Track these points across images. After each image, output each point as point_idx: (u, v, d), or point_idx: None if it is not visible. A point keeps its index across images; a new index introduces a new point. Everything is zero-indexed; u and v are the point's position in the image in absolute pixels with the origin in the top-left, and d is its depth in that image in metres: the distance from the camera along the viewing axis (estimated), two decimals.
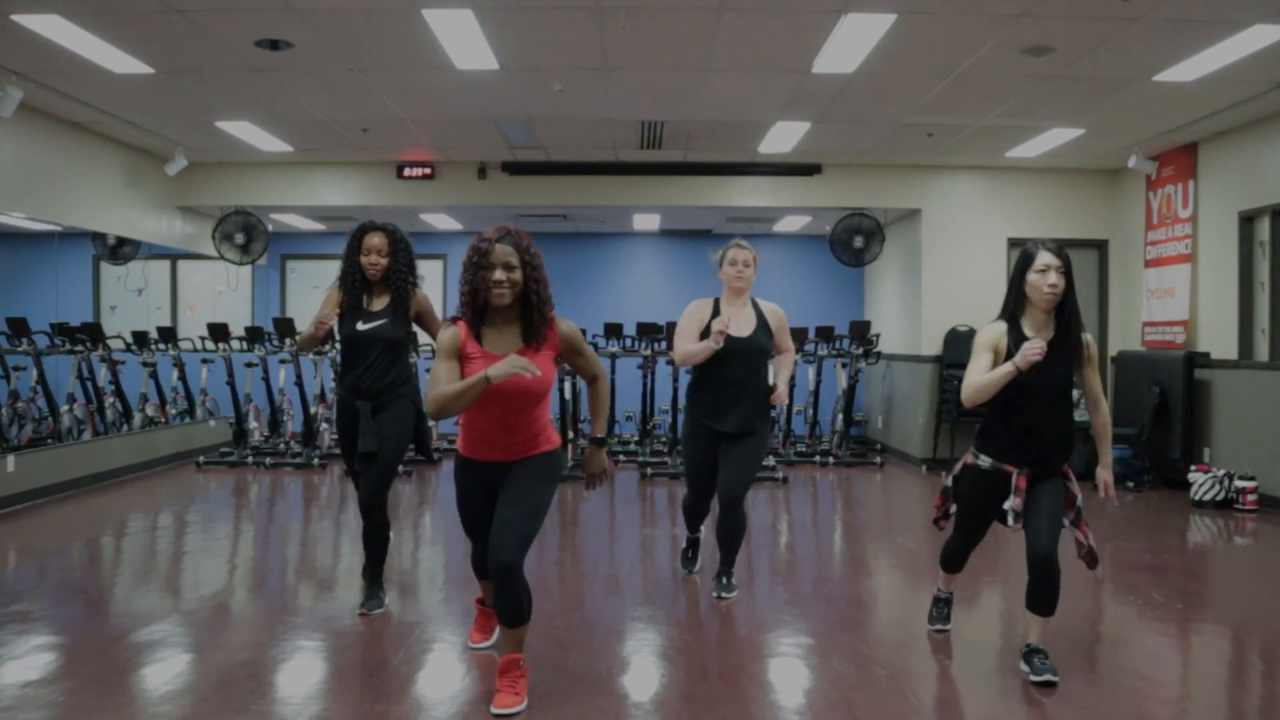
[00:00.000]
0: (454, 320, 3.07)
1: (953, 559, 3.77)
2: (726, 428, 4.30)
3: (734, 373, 4.27)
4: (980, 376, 3.25)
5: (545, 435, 3.15)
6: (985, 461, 3.41)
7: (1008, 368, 3.20)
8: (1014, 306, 3.35)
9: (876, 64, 5.91)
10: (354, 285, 4.10)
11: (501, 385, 2.90)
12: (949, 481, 3.62)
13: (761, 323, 4.40)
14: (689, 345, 4.32)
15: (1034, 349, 3.14)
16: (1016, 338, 3.29)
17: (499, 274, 2.94)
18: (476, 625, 3.73)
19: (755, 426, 4.32)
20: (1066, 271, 3.28)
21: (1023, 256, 3.33)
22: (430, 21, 5.22)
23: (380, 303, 4.10)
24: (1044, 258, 3.27)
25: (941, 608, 3.92)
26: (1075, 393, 3.49)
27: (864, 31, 5.35)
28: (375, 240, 4.06)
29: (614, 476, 8.29)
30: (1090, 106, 6.79)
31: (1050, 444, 3.33)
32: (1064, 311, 3.31)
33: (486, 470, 3.15)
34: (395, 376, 4.09)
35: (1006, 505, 3.36)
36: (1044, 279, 3.25)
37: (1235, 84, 6.13)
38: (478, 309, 3.00)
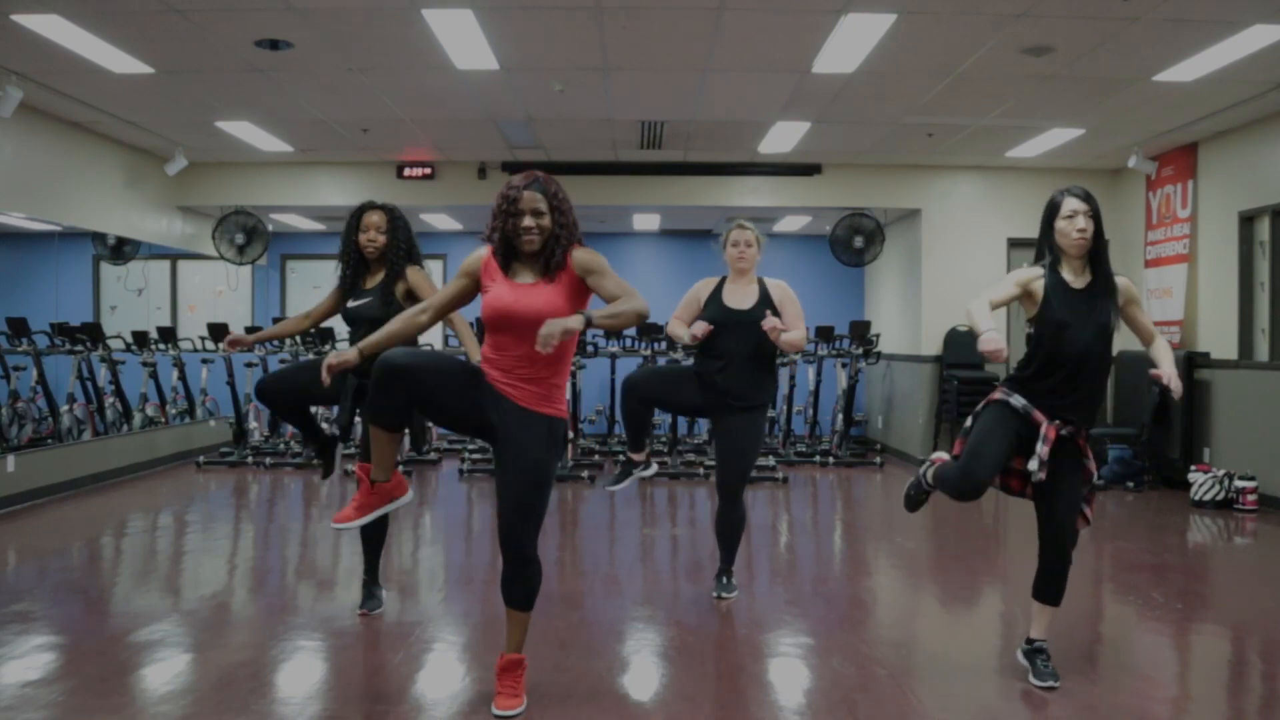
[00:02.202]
0: (486, 242, 3.04)
1: (944, 483, 3.42)
2: (720, 387, 4.18)
3: (732, 345, 4.22)
4: (979, 304, 3.13)
5: (558, 395, 3.03)
6: (1018, 401, 3.24)
7: (985, 321, 3.06)
8: (1049, 254, 3.24)
9: (876, 64, 5.91)
10: (350, 263, 4.08)
11: (512, 309, 2.89)
12: (969, 422, 3.37)
13: (764, 297, 4.37)
14: (674, 326, 4.40)
15: (989, 344, 3.00)
16: (1054, 281, 3.20)
17: (528, 220, 2.93)
18: (360, 488, 3.20)
19: (750, 401, 4.22)
20: (1095, 215, 3.19)
21: (1049, 205, 3.24)
22: (430, 21, 5.22)
23: (373, 280, 4.09)
24: (1070, 203, 3.18)
25: (920, 495, 3.73)
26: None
27: (864, 31, 5.35)
28: (374, 218, 4.04)
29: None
30: (1090, 106, 6.79)
31: (1083, 398, 3.22)
32: (1095, 257, 3.21)
33: (496, 394, 2.96)
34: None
35: (1033, 458, 3.16)
36: (1072, 224, 3.17)
37: (1235, 84, 6.13)
38: (509, 254, 3.00)
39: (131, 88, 6.44)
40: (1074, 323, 3.16)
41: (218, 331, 8.71)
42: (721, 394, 4.21)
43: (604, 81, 6.39)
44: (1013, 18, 5.11)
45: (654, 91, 6.64)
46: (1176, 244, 7.93)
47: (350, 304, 4.07)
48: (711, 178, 9.13)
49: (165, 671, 3.38)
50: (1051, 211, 3.24)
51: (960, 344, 8.84)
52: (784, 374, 9.46)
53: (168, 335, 8.94)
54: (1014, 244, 9.05)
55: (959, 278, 9.02)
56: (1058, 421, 3.20)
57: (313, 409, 4.24)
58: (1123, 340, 8.81)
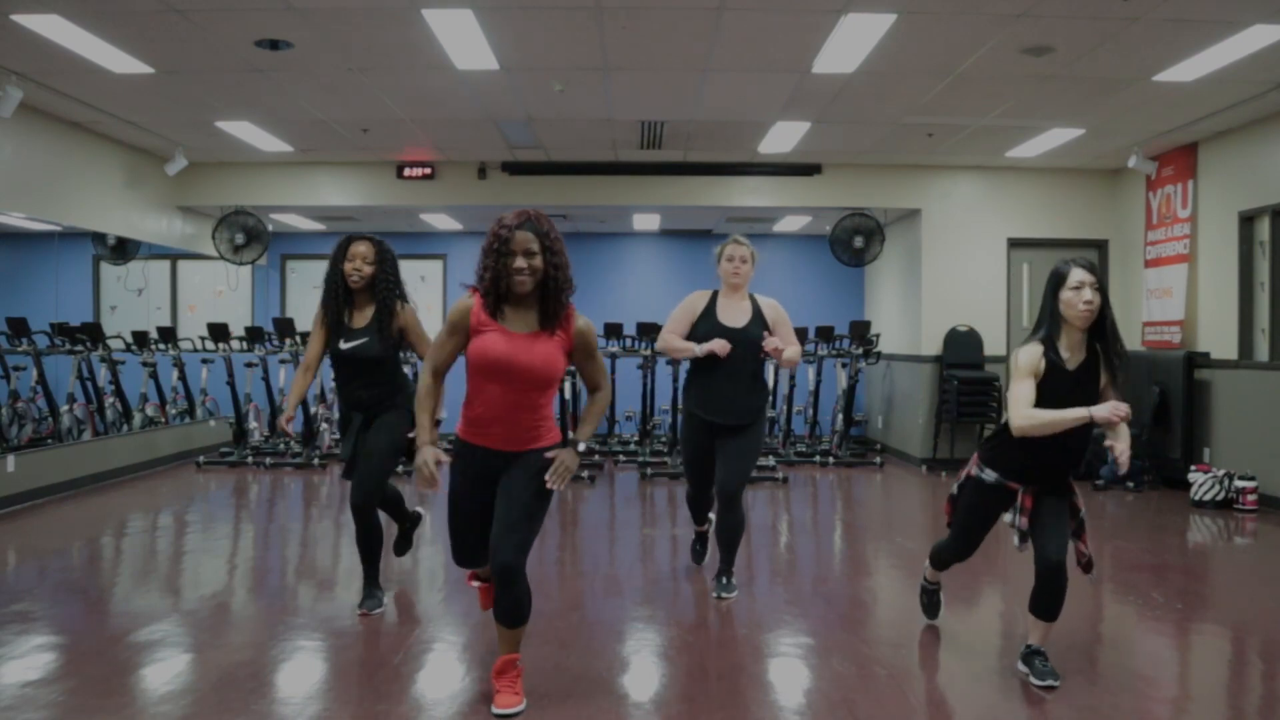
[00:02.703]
0: (472, 290, 3.00)
1: (942, 563, 3.80)
2: (719, 419, 4.35)
3: (726, 364, 4.30)
4: (1044, 413, 3.12)
5: (547, 428, 3.06)
6: (990, 476, 3.37)
7: (1081, 413, 3.09)
8: (1050, 328, 3.23)
9: (876, 64, 5.91)
10: (336, 299, 3.98)
11: (510, 362, 2.89)
12: (955, 489, 3.60)
13: (756, 315, 4.43)
14: (674, 340, 4.40)
15: (1114, 413, 3.08)
16: (1052, 360, 3.19)
17: (520, 261, 2.89)
18: (481, 597, 3.58)
19: (747, 419, 4.35)
20: (1101, 288, 3.18)
21: (1054, 276, 3.23)
22: (430, 21, 5.22)
23: (363, 318, 4.01)
24: (1077, 274, 3.17)
25: (931, 597, 3.95)
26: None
27: (864, 31, 5.35)
28: (361, 248, 3.97)
29: (614, 476, 8.30)
30: (1090, 106, 6.79)
31: (1064, 463, 3.29)
32: (1102, 329, 3.21)
33: (486, 460, 3.02)
34: (385, 389, 4.05)
35: (1010, 520, 3.34)
36: (1079, 296, 3.15)
37: (1235, 84, 6.13)
38: (499, 295, 2.94)
39: (131, 88, 6.44)
40: (1065, 400, 3.17)
41: (218, 331, 8.71)
42: (721, 411, 4.33)
43: (604, 81, 6.39)
44: (1013, 18, 5.11)
45: (654, 91, 6.64)
46: (1177, 244, 7.93)
47: (343, 345, 3.98)
48: (711, 178, 9.13)
49: (165, 671, 3.38)
50: (1057, 282, 3.22)
51: (960, 344, 8.85)
52: (784, 374, 9.47)
53: (168, 335, 8.94)
54: (1014, 244, 9.05)
55: (959, 278, 9.02)
56: (1033, 487, 3.29)
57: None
58: (1123, 340, 8.81)
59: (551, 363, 2.94)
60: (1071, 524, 3.34)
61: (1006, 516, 3.38)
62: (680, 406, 4.83)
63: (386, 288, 3.98)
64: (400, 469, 4.25)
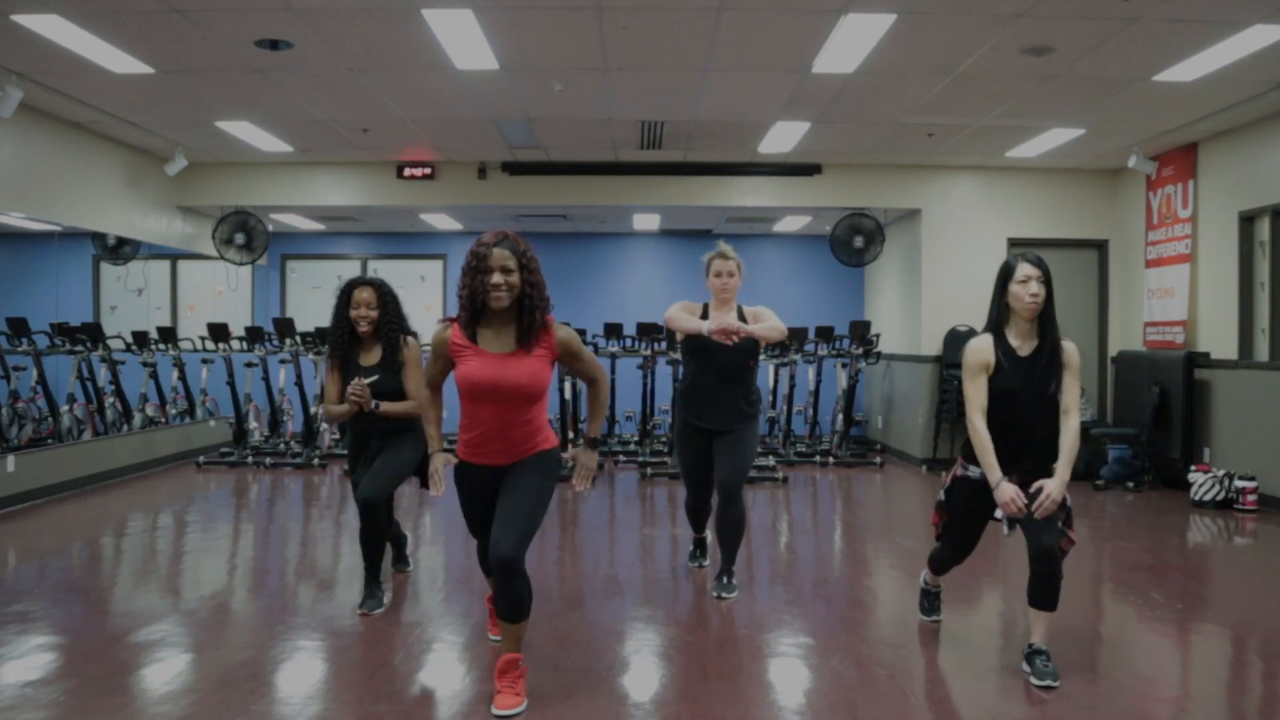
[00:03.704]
0: (449, 321, 3.13)
1: (941, 567, 3.87)
2: (712, 425, 4.46)
3: (717, 374, 4.44)
4: (981, 453, 3.36)
5: (543, 435, 3.19)
6: (975, 471, 3.47)
7: (993, 479, 3.33)
8: (998, 318, 3.45)
9: (876, 64, 5.91)
10: (343, 342, 4.17)
11: (497, 383, 3.01)
12: (942, 495, 3.69)
13: (742, 324, 4.44)
14: (684, 317, 4.44)
15: (1015, 507, 3.28)
16: (1003, 348, 3.40)
17: (496, 277, 3.00)
18: (492, 620, 3.75)
19: (738, 424, 4.45)
20: (1046, 281, 3.38)
21: (1003, 269, 3.45)
22: (430, 21, 5.22)
23: (371, 357, 4.19)
24: (1024, 269, 3.37)
25: (932, 599, 4.03)
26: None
27: (864, 31, 5.35)
28: (364, 294, 4.15)
29: (614, 476, 8.30)
30: (1090, 106, 6.79)
31: (1038, 451, 3.39)
32: (1044, 320, 3.40)
33: (486, 472, 3.17)
34: (403, 420, 4.21)
35: (999, 513, 3.44)
36: (1025, 289, 3.35)
37: (1235, 84, 6.13)
38: (475, 311, 3.07)
39: (131, 88, 6.44)
40: (1022, 389, 3.35)
41: (218, 331, 8.71)
42: (714, 419, 4.44)
43: (604, 81, 6.38)
44: (1013, 18, 5.11)
45: (654, 91, 6.64)
46: (1177, 244, 7.93)
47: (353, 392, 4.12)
48: (711, 178, 9.13)
49: (165, 671, 3.38)
50: (1006, 274, 3.42)
51: (960, 344, 8.84)
52: (784, 374, 9.47)
53: (168, 335, 8.94)
54: (1014, 244, 9.05)
55: (959, 278, 9.02)
56: (1015, 477, 3.38)
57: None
58: (1123, 340, 8.83)
59: (536, 378, 3.06)
60: (1061, 514, 3.39)
61: (998, 511, 3.45)
62: (673, 417, 4.91)
63: (390, 328, 4.19)
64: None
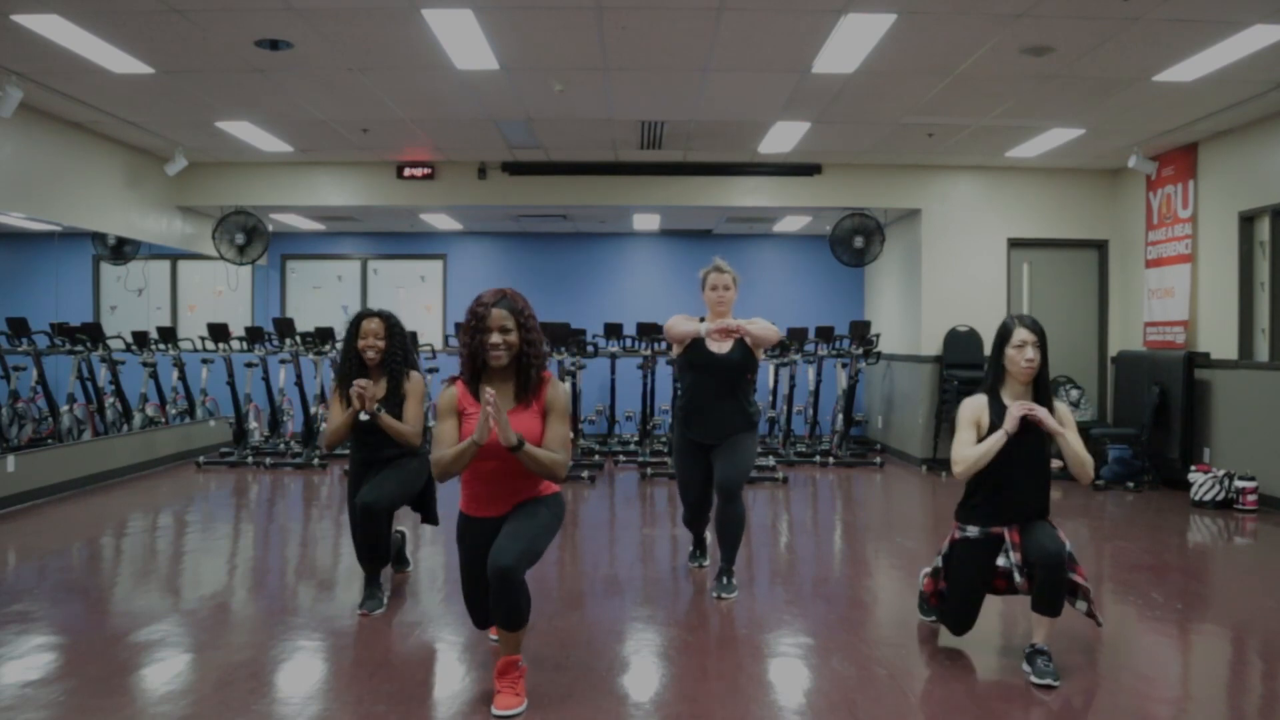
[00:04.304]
0: (453, 380, 3.19)
1: (959, 628, 3.71)
2: (710, 439, 4.49)
3: (714, 388, 4.47)
4: (973, 449, 3.41)
5: (544, 485, 3.22)
6: (974, 531, 3.52)
7: (998, 435, 3.37)
8: (994, 379, 3.51)
9: (876, 64, 5.91)
10: (351, 372, 4.22)
11: (494, 439, 2.99)
12: (938, 562, 3.70)
13: (739, 340, 4.51)
14: (683, 323, 4.49)
15: (1019, 408, 3.34)
16: (997, 409, 3.45)
17: (495, 337, 3.06)
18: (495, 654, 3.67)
19: (736, 434, 4.48)
20: (1041, 345, 3.43)
21: (1001, 330, 3.50)
22: (430, 21, 5.22)
23: (379, 389, 4.22)
24: (1020, 334, 3.43)
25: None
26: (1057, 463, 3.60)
27: (864, 31, 5.35)
28: (372, 325, 4.22)
29: (614, 476, 8.30)
30: (1090, 106, 6.79)
31: (1032, 503, 3.46)
32: (1039, 383, 3.46)
33: (489, 525, 3.16)
34: (399, 449, 4.26)
35: (1002, 562, 3.46)
36: (1021, 354, 3.41)
37: (1235, 84, 6.13)
38: (476, 370, 3.13)
39: (131, 88, 6.44)
40: (1013, 450, 3.39)
41: (218, 331, 8.71)
42: (710, 434, 4.47)
43: (604, 81, 6.38)
44: (1013, 18, 5.11)
45: (654, 91, 6.64)
46: (1178, 244, 7.93)
47: (362, 417, 4.17)
48: (711, 178, 9.13)
49: (165, 671, 3.38)
50: (1003, 338, 3.48)
51: (960, 344, 8.85)
52: (784, 374, 9.47)
53: (168, 335, 8.94)
54: (1014, 244, 9.05)
55: (959, 277, 9.02)
56: (1015, 524, 3.45)
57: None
58: (1123, 340, 8.83)
59: (534, 434, 3.10)
60: (1067, 557, 3.39)
61: (1001, 561, 3.47)
62: (672, 432, 4.95)
63: (395, 361, 4.24)
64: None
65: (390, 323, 4.27)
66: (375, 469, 4.26)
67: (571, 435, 8.57)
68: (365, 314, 4.28)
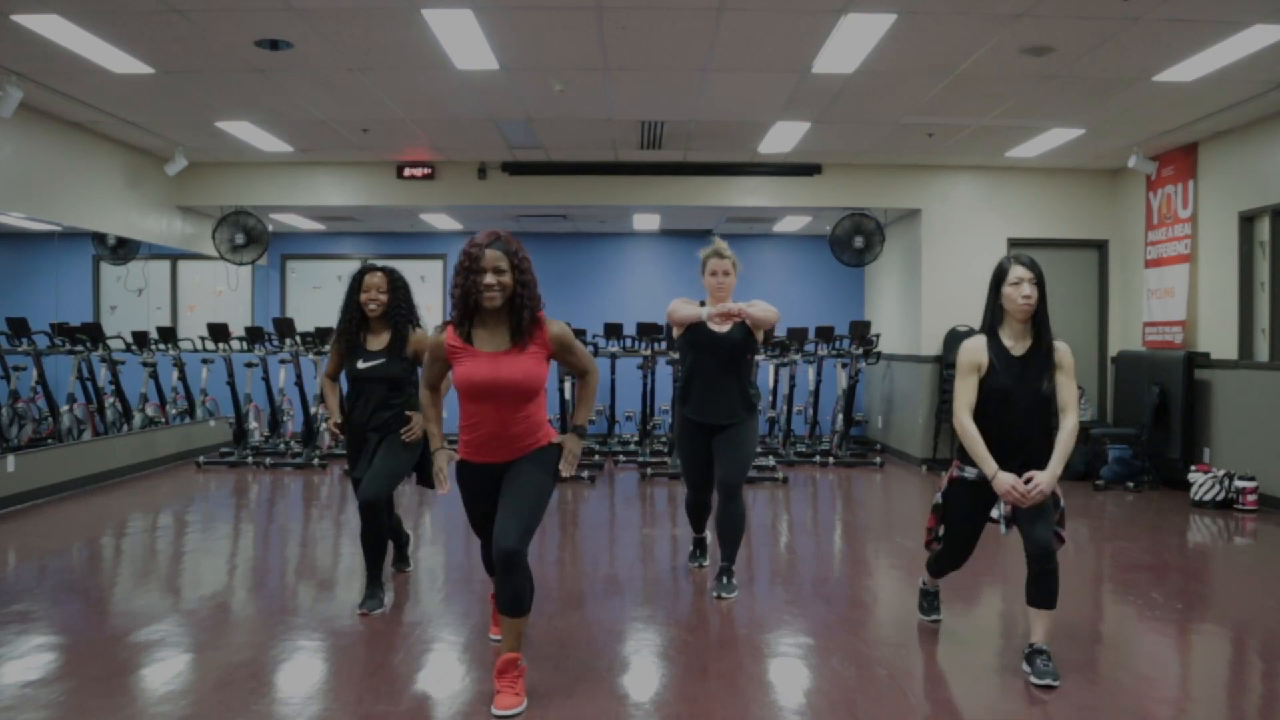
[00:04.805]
0: (445, 325, 3.21)
1: (939, 571, 3.88)
2: (711, 419, 4.49)
3: (714, 369, 4.48)
4: (969, 440, 3.44)
5: (543, 431, 3.22)
6: (971, 473, 3.51)
7: (988, 470, 3.39)
8: (992, 319, 3.50)
9: (876, 64, 5.91)
10: (351, 325, 4.23)
11: (493, 381, 3.06)
12: (939, 498, 3.70)
13: (740, 321, 4.49)
14: (684, 307, 4.50)
15: (1015, 495, 3.34)
16: (997, 349, 3.45)
17: (489, 278, 3.05)
18: (493, 619, 3.76)
19: (739, 417, 4.48)
20: (1039, 283, 3.42)
21: (997, 270, 3.49)
22: (430, 21, 5.22)
23: (379, 342, 4.25)
24: (1017, 270, 3.41)
25: (931, 599, 4.04)
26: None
27: (864, 31, 5.35)
28: (374, 279, 4.23)
29: (614, 476, 8.30)
30: (1090, 106, 6.79)
31: (1032, 450, 3.43)
32: (1037, 321, 3.44)
33: (488, 470, 3.20)
34: (399, 410, 4.26)
35: (995, 514, 3.48)
36: (1018, 291, 3.39)
37: (1235, 84, 6.13)
38: (468, 311, 3.11)
39: (131, 88, 6.44)
40: (1015, 388, 3.40)
41: (218, 331, 8.71)
42: (712, 413, 4.47)
43: (604, 81, 6.38)
44: (1013, 18, 5.11)
45: (654, 91, 6.63)
46: (1177, 244, 7.93)
47: (360, 364, 4.21)
48: (711, 178, 9.13)
49: (165, 671, 3.38)
50: (999, 277, 3.47)
51: (960, 344, 8.83)
52: (784, 374, 9.47)
53: (168, 335, 8.94)
54: (1014, 244, 9.05)
55: (959, 277, 9.02)
56: (1014, 472, 3.42)
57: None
58: (1122, 340, 8.82)
59: (532, 374, 3.11)
60: (1055, 511, 3.43)
61: (995, 511, 3.49)
62: (673, 416, 4.95)
63: (400, 314, 4.25)
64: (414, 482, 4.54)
65: (393, 277, 4.26)
66: (370, 440, 4.24)
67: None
68: (368, 268, 4.26)
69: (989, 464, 3.39)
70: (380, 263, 4.34)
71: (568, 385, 8.57)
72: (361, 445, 4.29)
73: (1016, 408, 3.40)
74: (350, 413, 4.31)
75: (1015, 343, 3.45)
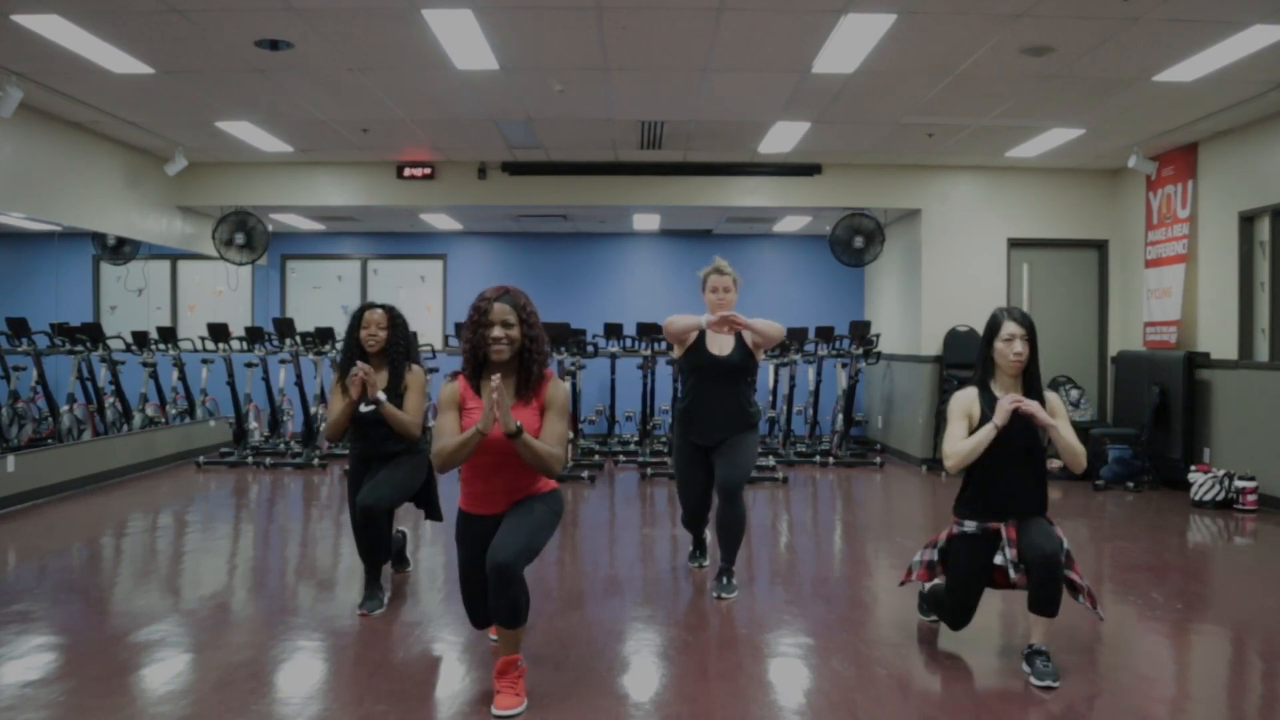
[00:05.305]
0: (455, 375, 3.22)
1: (957, 623, 3.71)
2: (711, 441, 4.48)
3: (715, 390, 4.47)
4: (964, 442, 3.43)
5: (543, 481, 3.24)
6: (970, 526, 3.52)
7: (988, 429, 3.37)
8: (984, 373, 3.53)
9: (876, 64, 5.91)
10: (352, 363, 4.21)
11: (499, 438, 3.04)
12: (934, 556, 3.69)
13: (739, 343, 4.51)
14: (682, 317, 4.47)
15: (1009, 401, 3.34)
16: (988, 401, 3.47)
17: (497, 331, 3.09)
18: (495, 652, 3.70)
19: (736, 434, 4.48)
20: (1030, 338, 3.44)
21: (990, 324, 3.52)
22: (430, 21, 5.22)
23: (380, 380, 4.22)
24: (1009, 327, 3.45)
25: (931, 600, 3.99)
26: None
27: (864, 31, 5.35)
28: (374, 315, 4.27)
29: (614, 476, 8.30)
30: (1090, 106, 6.79)
31: (1028, 497, 3.46)
32: (1028, 375, 3.47)
33: (488, 522, 3.18)
34: (405, 444, 4.27)
35: (999, 560, 3.45)
36: (1010, 347, 3.43)
37: (1235, 84, 6.13)
38: (478, 364, 3.15)
39: (131, 88, 6.44)
40: (1007, 444, 3.39)
41: (218, 331, 8.71)
42: (710, 435, 4.46)
43: (604, 81, 6.38)
44: (1012, 18, 5.11)
45: (654, 91, 6.64)
46: (1177, 244, 7.93)
47: (362, 409, 4.18)
48: (711, 178, 9.13)
49: (165, 671, 3.38)
50: (992, 331, 3.50)
51: (960, 344, 8.85)
52: (784, 374, 9.47)
53: (168, 335, 8.94)
54: (1014, 244, 9.05)
55: (959, 277, 9.02)
56: (1012, 520, 3.45)
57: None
58: (1123, 340, 8.82)
59: (532, 429, 3.12)
60: (1060, 554, 3.39)
61: (998, 559, 3.46)
62: (672, 435, 4.94)
63: (398, 351, 4.26)
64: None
65: (393, 314, 4.30)
66: (374, 466, 4.26)
67: (571, 435, 8.58)
68: (369, 305, 4.31)
69: (987, 430, 3.36)
70: (380, 301, 4.38)
71: (567, 385, 8.57)
72: (364, 471, 4.28)
73: (1008, 462, 3.42)
74: (354, 445, 4.32)
75: (1005, 396, 3.44)
